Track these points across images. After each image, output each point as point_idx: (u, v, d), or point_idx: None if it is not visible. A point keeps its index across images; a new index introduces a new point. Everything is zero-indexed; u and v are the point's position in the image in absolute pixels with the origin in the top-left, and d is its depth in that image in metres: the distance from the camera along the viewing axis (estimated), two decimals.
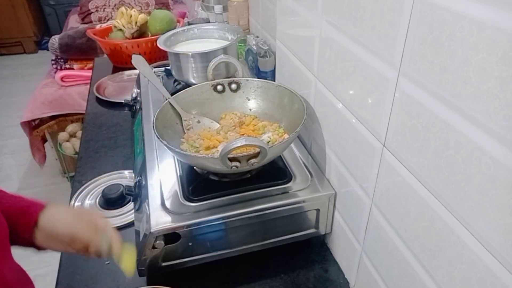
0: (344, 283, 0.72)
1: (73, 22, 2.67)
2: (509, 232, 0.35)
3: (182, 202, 0.68)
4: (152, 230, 0.63)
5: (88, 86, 1.51)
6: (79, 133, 2.06)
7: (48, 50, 2.05)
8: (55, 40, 1.98)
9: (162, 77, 1.15)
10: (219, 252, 0.70)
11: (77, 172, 1.00)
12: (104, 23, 2.16)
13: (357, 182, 0.64)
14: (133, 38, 1.57)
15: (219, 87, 0.86)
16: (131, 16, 1.55)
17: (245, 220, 0.68)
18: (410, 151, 0.48)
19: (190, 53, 1.00)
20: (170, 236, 0.64)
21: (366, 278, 0.66)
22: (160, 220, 0.65)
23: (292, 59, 0.85)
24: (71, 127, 2.08)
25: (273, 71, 1.06)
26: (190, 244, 0.67)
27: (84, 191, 0.93)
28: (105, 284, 0.72)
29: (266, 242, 0.72)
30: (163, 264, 0.68)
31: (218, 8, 1.41)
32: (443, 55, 0.40)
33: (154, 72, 0.93)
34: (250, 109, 0.86)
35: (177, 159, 0.78)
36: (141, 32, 1.61)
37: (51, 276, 0.76)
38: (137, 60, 0.89)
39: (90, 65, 1.95)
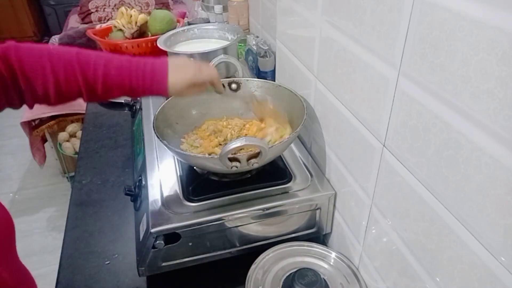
0: None
1: (73, 22, 2.67)
2: (509, 232, 0.35)
3: (182, 202, 0.68)
4: (152, 230, 0.63)
5: None
6: (79, 133, 2.06)
7: None
8: (55, 40, 1.98)
9: None
10: (219, 252, 0.70)
11: (77, 172, 1.00)
12: (104, 23, 2.15)
13: (357, 182, 0.64)
14: (133, 38, 1.57)
15: None
16: (131, 16, 1.55)
17: (245, 220, 0.68)
18: (410, 151, 0.48)
19: (190, 53, 1.00)
20: (170, 236, 0.64)
21: (366, 278, 0.66)
22: (160, 220, 0.65)
23: (292, 59, 0.85)
24: (71, 127, 2.08)
25: (273, 71, 1.06)
26: (190, 244, 0.67)
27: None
28: (105, 284, 0.71)
29: (266, 242, 0.72)
30: (163, 264, 0.68)
31: (218, 8, 1.41)
32: (443, 55, 0.40)
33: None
34: (250, 109, 0.86)
35: (177, 159, 0.78)
36: (141, 32, 1.60)
37: (51, 276, 0.76)
38: None
39: None
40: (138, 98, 1.08)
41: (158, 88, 0.63)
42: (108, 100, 0.66)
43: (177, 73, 0.64)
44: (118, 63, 0.61)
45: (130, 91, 0.62)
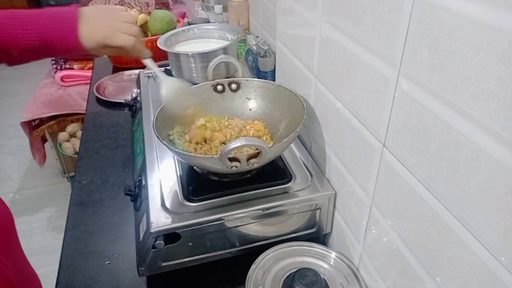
0: None
1: None
2: (509, 232, 0.35)
3: (182, 202, 0.68)
4: (152, 230, 0.63)
5: (88, 86, 1.51)
6: (79, 133, 2.06)
7: None
8: None
9: None
10: (219, 252, 0.70)
11: (77, 172, 1.00)
12: None
13: (357, 182, 0.64)
14: None
15: (219, 87, 0.86)
16: None
17: (245, 220, 0.68)
18: (410, 151, 0.48)
19: (190, 53, 1.00)
20: (170, 236, 0.64)
21: (366, 278, 0.66)
22: (160, 220, 0.65)
23: (292, 59, 0.86)
24: (71, 127, 2.08)
25: (273, 71, 1.06)
26: (190, 244, 0.67)
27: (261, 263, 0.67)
28: (105, 284, 0.72)
29: (266, 242, 0.72)
30: (163, 264, 0.68)
31: (218, 8, 1.41)
32: (443, 55, 0.40)
33: (154, 72, 0.93)
34: (250, 109, 0.86)
35: (177, 159, 0.78)
36: (141, 32, 1.60)
37: (51, 276, 0.76)
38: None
39: (90, 65, 1.95)
40: (138, 98, 1.08)
41: (70, 45, 0.57)
42: (31, 61, 0.62)
43: (89, 28, 0.58)
44: (25, 21, 0.57)
45: (44, 51, 0.58)
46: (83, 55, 0.64)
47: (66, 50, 0.59)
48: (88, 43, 0.59)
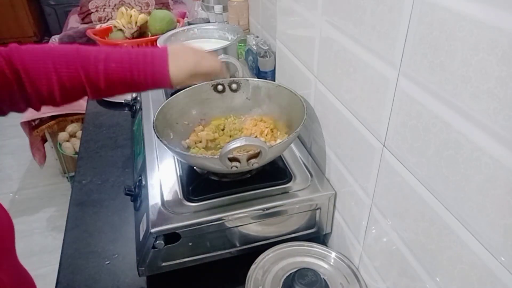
0: None
1: (73, 22, 2.67)
2: (509, 232, 0.35)
3: (182, 202, 0.68)
4: (152, 230, 0.63)
5: None
6: (79, 133, 2.06)
7: None
8: (55, 40, 1.98)
9: None
10: (219, 252, 0.70)
11: (77, 172, 1.00)
12: (104, 23, 2.15)
13: (357, 182, 0.64)
14: (133, 38, 1.57)
15: (219, 87, 0.86)
16: (131, 16, 1.55)
17: (245, 220, 0.68)
18: (410, 151, 0.48)
19: None
20: (170, 236, 0.64)
21: (366, 278, 0.66)
22: (160, 220, 0.65)
23: (292, 59, 0.85)
24: (71, 127, 2.08)
25: (273, 71, 1.06)
26: (190, 244, 0.67)
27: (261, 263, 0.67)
28: (105, 284, 0.72)
29: (266, 242, 0.72)
30: (163, 264, 0.68)
31: (218, 8, 1.41)
32: (443, 55, 0.40)
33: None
34: (250, 109, 0.86)
35: (177, 159, 0.78)
36: (141, 32, 1.60)
37: (51, 276, 0.76)
38: None
39: None
40: (138, 98, 1.08)
41: (160, 79, 0.61)
42: (114, 95, 0.65)
43: (178, 62, 0.61)
44: (118, 56, 0.59)
45: (133, 85, 0.61)
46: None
47: (152, 84, 0.62)
48: (177, 76, 0.61)
